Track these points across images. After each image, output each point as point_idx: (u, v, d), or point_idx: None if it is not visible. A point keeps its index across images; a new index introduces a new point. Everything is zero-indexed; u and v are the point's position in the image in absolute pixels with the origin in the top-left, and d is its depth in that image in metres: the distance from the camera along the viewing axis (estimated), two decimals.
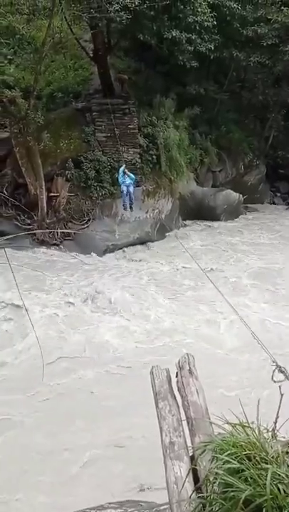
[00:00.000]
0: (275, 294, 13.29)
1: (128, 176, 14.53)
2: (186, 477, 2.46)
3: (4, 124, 16.02)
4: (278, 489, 2.08)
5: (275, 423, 2.81)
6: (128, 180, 14.53)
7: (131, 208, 15.42)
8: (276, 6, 19.02)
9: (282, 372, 3.04)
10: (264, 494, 2.06)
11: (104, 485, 6.48)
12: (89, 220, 16.69)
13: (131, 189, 14.77)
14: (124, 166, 14.85)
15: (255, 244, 18.03)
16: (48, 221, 16.15)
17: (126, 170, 14.61)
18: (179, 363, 3.42)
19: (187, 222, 19.93)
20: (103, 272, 14.39)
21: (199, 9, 16.17)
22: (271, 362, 3.15)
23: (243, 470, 2.20)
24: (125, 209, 15.60)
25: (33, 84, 15.08)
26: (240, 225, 20.53)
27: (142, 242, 17.25)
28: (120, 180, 14.63)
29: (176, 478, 2.48)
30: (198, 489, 2.39)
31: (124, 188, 14.69)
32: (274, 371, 3.00)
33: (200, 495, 2.33)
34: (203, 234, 18.88)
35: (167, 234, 18.12)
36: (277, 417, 2.84)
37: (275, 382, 2.84)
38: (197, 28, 16.62)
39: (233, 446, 2.34)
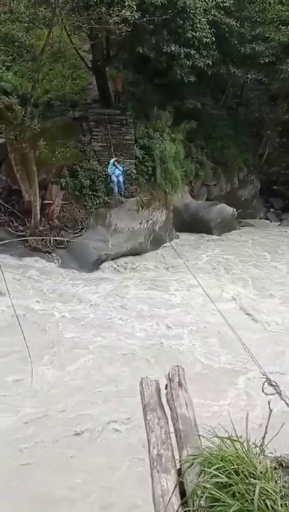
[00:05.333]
0: None
1: (117, 167, 16.07)
2: (173, 491, 2.42)
3: (0, 129, 15.97)
4: (266, 505, 2.05)
5: (263, 438, 2.77)
6: (117, 171, 16.12)
7: (120, 194, 16.78)
8: (274, 24, 19.30)
9: (272, 385, 3.02)
10: (252, 510, 2.02)
11: None
12: (82, 228, 16.60)
13: (120, 178, 16.33)
14: (114, 158, 16.27)
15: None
16: (41, 228, 16.05)
17: (116, 162, 16.08)
18: (168, 374, 3.38)
19: (181, 234, 19.95)
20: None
21: (198, 25, 16.41)
22: (262, 375, 3.13)
23: (230, 485, 2.16)
24: (115, 196, 16.81)
25: (31, 92, 15.06)
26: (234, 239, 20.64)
27: (136, 252, 17.21)
28: (110, 170, 16.10)
29: (163, 492, 2.43)
30: (184, 503, 2.35)
31: (115, 178, 16.24)
32: (264, 384, 2.98)
33: (186, 509, 2.28)
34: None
35: (161, 245, 18.12)
36: (265, 432, 2.81)
37: (266, 394, 2.82)
38: (196, 43, 16.84)
39: (221, 460, 2.30)
